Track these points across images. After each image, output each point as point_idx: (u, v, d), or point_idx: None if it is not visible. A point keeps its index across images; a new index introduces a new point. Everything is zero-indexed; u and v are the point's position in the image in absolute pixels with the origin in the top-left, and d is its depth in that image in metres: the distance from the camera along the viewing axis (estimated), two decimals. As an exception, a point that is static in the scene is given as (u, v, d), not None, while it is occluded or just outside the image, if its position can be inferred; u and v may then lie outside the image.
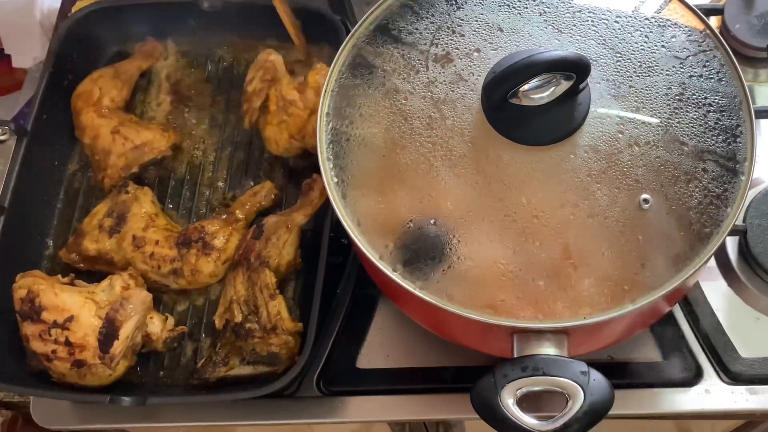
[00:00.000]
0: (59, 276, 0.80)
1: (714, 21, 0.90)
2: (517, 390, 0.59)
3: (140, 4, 0.95)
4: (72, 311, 0.76)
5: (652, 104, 0.64)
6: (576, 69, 0.60)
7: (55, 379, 0.77)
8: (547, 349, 0.60)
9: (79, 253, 0.84)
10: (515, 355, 0.60)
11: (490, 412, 0.59)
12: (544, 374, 0.59)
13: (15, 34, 0.76)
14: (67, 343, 0.75)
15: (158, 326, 0.79)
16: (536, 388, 0.59)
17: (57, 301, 0.76)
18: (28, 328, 0.76)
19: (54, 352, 0.75)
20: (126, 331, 0.75)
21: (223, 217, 0.83)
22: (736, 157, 0.63)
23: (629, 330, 0.72)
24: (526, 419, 0.58)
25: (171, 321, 0.81)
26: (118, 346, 0.75)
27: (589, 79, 0.62)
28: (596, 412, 0.58)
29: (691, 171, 0.62)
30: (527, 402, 0.60)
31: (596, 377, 0.59)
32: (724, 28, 0.90)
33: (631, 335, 0.75)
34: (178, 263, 0.81)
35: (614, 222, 0.61)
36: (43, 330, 0.76)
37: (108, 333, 0.75)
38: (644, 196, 0.61)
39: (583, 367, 0.59)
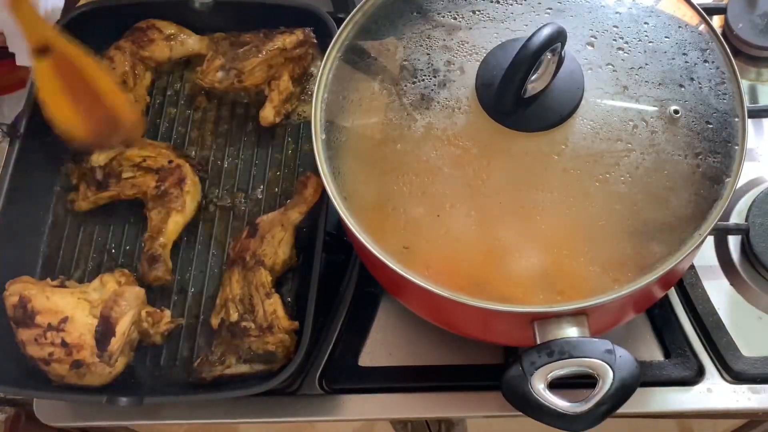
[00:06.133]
0: (49, 279, 0.80)
1: (717, 20, 0.90)
2: (548, 375, 0.58)
3: (136, 3, 0.95)
4: (66, 312, 0.75)
5: (648, 97, 0.64)
6: (560, 38, 0.60)
7: (55, 382, 0.76)
8: (570, 332, 0.60)
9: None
10: (538, 342, 0.60)
11: (523, 400, 0.58)
12: (570, 356, 0.58)
13: (18, 33, 0.75)
14: (64, 344, 0.75)
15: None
16: (564, 371, 0.59)
17: (49, 304, 0.76)
18: (24, 334, 0.76)
19: (51, 354, 0.75)
20: (122, 326, 0.75)
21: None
22: (729, 152, 0.63)
23: (642, 303, 0.73)
24: (561, 403, 0.58)
25: (168, 313, 0.80)
26: (115, 343, 0.74)
27: (587, 71, 0.63)
28: (626, 387, 0.58)
29: (685, 163, 0.62)
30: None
31: (622, 354, 0.58)
32: (727, 27, 0.89)
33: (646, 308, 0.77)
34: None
35: (618, 198, 0.61)
36: (39, 334, 0.75)
37: (104, 330, 0.74)
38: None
39: (608, 345, 0.59)
